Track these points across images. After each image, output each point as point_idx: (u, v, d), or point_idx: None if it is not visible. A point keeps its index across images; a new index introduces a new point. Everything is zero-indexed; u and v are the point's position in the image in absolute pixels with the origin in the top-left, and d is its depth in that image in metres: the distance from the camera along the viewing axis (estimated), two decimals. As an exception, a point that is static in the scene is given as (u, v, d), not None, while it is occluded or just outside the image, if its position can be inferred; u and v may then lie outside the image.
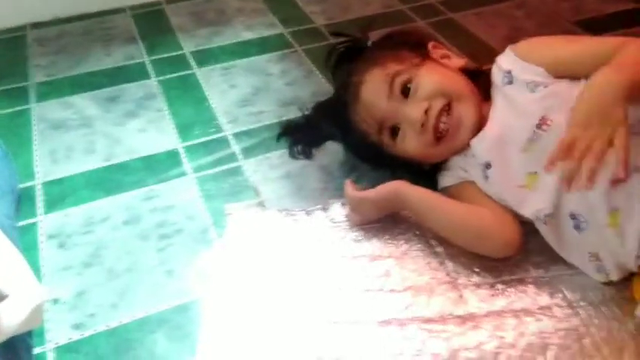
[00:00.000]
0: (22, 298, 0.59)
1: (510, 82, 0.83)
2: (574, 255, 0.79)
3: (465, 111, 0.85)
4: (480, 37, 1.41)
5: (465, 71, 0.91)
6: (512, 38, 1.36)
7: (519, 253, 0.83)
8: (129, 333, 0.78)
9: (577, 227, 0.76)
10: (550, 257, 0.82)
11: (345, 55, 0.98)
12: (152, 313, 0.81)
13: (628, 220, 0.71)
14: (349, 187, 0.91)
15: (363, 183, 0.93)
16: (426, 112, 0.84)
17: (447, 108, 0.84)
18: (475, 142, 0.85)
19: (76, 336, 0.78)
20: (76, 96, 1.24)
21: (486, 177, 0.84)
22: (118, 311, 0.81)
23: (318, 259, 0.86)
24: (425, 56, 0.89)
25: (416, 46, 0.92)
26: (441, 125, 0.84)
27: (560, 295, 0.79)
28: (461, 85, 0.87)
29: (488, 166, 0.83)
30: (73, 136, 1.14)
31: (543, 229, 0.81)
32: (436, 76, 0.86)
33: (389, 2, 1.57)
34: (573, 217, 0.76)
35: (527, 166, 0.79)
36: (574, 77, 0.79)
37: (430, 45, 0.93)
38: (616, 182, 0.68)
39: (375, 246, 0.88)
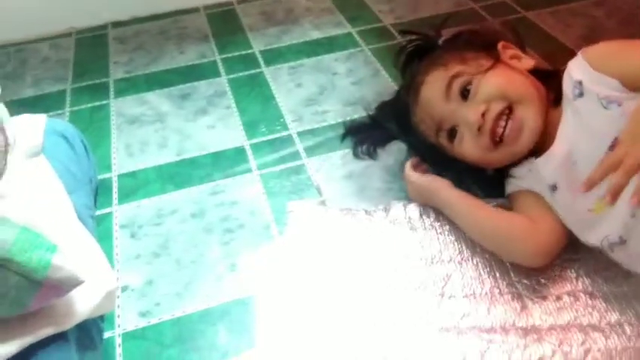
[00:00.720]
0: (96, 283, 0.63)
1: (581, 95, 0.77)
2: None
3: (527, 115, 0.81)
4: (556, 36, 1.35)
5: (535, 72, 0.87)
6: (590, 38, 1.31)
7: (551, 262, 0.80)
8: (192, 323, 0.82)
9: None
10: (622, 271, 0.78)
11: (415, 54, 0.96)
12: (214, 305, 0.84)
13: None
14: (411, 161, 0.94)
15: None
16: (484, 115, 0.81)
17: (508, 112, 0.81)
18: (542, 162, 0.81)
19: (143, 323, 0.82)
20: (151, 92, 1.30)
21: (555, 198, 0.80)
22: (182, 301, 0.85)
23: (378, 260, 0.86)
24: (493, 57, 0.86)
25: (484, 47, 0.89)
26: (499, 129, 0.81)
27: (632, 312, 0.74)
28: (525, 87, 0.83)
29: (554, 187, 0.80)
30: (147, 131, 1.19)
31: (614, 256, 0.77)
32: (497, 79, 0.83)
33: (460, 0, 1.54)
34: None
35: (597, 189, 0.75)
36: None
37: (500, 45, 0.89)
38: None
39: (436, 249, 0.87)
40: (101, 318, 0.74)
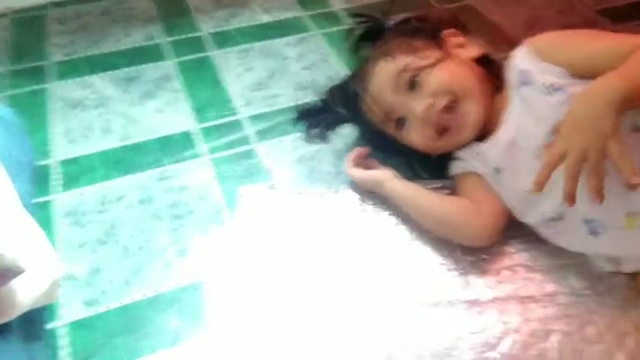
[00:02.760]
0: (39, 272, 0.60)
1: (527, 83, 0.80)
2: (587, 252, 0.79)
3: (471, 108, 0.84)
4: (498, 24, 1.39)
5: (480, 60, 0.90)
6: (532, 26, 1.36)
7: (495, 243, 0.84)
8: (141, 310, 0.80)
9: (592, 232, 0.75)
10: (556, 246, 0.82)
11: (364, 38, 0.97)
12: (164, 292, 0.82)
13: None
14: (350, 157, 0.95)
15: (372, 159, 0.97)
16: (430, 108, 0.84)
17: (453, 104, 0.84)
18: (487, 146, 0.85)
19: (89, 312, 0.80)
20: (94, 76, 1.25)
21: (498, 180, 0.84)
22: (130, 288, 0.83)
23: (329, 242, 0.87)
24: (440, 47, 0.88)
25: (431, 35, 0.91)
26: (444, 122, 0.84)
27: (566, 283, 0.79)
28: (469, 82, 0.85)
29: (498, 170, 0.83)
30: (90, 115, 1.15)
31: (547, 233, 0.81)
32: (444, 74, 0.84)
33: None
34: (588, 222, 0.75)
35: (535, 172, 0.78)
36: (595, 77, 0.76)
37: (445, 33, 0.91)
38: (632, 188, 0.64)
39: (387, 229, 0.88)
40: (43, 309, 0.71)
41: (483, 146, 0.85)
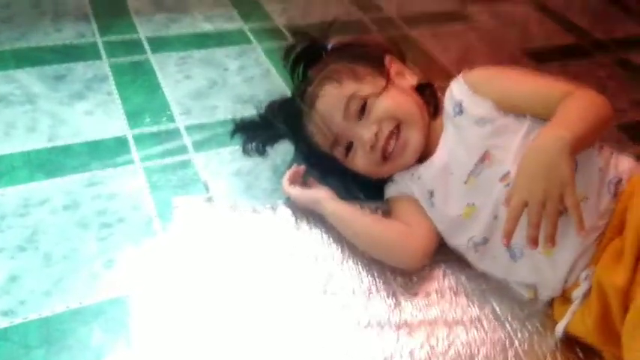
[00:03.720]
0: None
1: (460, 113, 0.86)
2: (507, 278, 0.84)
3: (412, 135, 0.88)
4: (434, 55, 1.45)
5: (418, 88, 0.94)
6: (464, 60, 1.43)
7: (424, 266, 0.87)
8: (62, 323, 0.76)
9: (512, 257, 0.80)
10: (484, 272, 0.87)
11: (303, 56, 0.99)
12: (87, 304, 0.78)
13: (560, 250, 0.76)
14: (287, 176, 0.95)
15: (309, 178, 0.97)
16: (377, 134, 0.87)
17: (396, 130, 0.88)
18: (422, 169, 0.89)
19: (5, 323, 0.75)
20: (20, 70, 1.19)
21: (431, 204, 0.88)
22: (51, 299, 0.78)
23: (263, 257, 0.87)
24: (382, 74, 0.91)
25: (373, 61, 0.94)
26: (389, 147, 0.88)
27: (489, 308, 0.83)
28: (411, 108, 0.89)
29: (431, 193, 0.87)
30: (14, 112, 1.08)
31: (474, 257, 0.85)
32: (389, 101, 0.88)
33: (350, 10, 1.59)
34: (509, 247, 0.79)
35: (467, 197, 0.83)
36: (521, 113, 0.82)
37: (387, 60, 0.94)
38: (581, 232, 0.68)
39: (320, 248, 0.89)
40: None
41: (420, 167, 0.89)
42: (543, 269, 0.79)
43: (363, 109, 0.88)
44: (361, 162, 0.90)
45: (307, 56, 0.98)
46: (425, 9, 1.66)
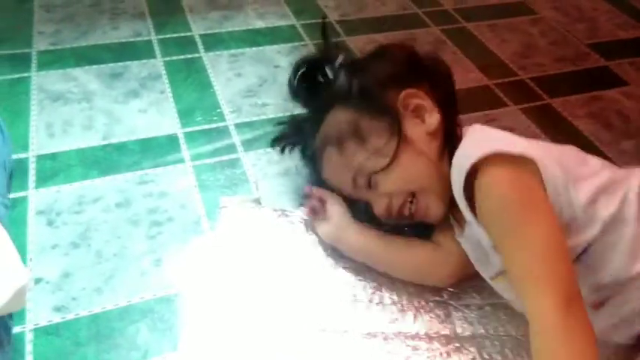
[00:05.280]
0: (5, 280, 0.57)
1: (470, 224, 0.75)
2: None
3: (430, 201, 0.79)
4: (492, 49, 1.39)
5: (441, 123, 0.79)
6: (524, 54, 1.37)
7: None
8: (111, 320, 0.77)
9: None
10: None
11: (308, 78, 0.89)
12: (136, 302, 0.80)
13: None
14: (307, 210, 0.90)
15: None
16: (388, 206, 0.80)
17: (412, 199, 0.79)
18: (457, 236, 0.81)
19: (57, 318, 0.77)
20: (78, 69, 1.22)
21: (461, 242, 0.80)
22: (101, 297, 0.80)
23: (309, 264, 0.85)
24: (392, 126, 0.78)
25: (383, 110, 0.79)
26: (406, 212, 0.80)
27: (486, 324, 0.80)
28: (425, 176, 0.78)
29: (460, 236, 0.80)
30: (72, 110, 1.11)
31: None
32: (398, 174, 0.77)
33: (405, 4, 1.55)
34: None
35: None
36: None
37: (402, 95, 0.79)
38: None
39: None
40: (9, 315, 0.68)
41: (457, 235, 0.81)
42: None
43: (370, 184, 0.80)
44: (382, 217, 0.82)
45: (311, 80, 0.88)
46: (484, 2, 1.59)
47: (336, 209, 0.86)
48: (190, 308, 0.79)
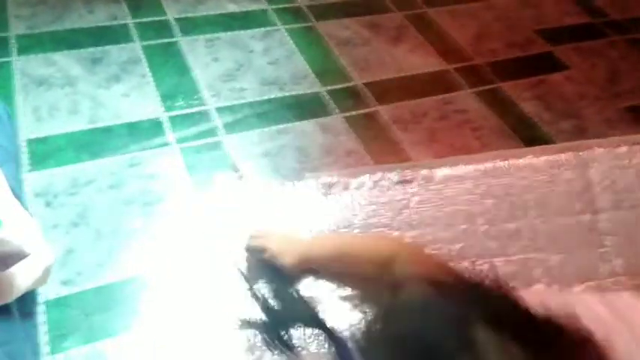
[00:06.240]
0: (35, 258, 0.65)
1: None
2: None
3: None
4: (451, 34, 1.50)
5: None
6: (479, 39, 1.48)
7: None
8: (114, 292, 0.85)
9: None
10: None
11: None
12: (137, 274, 0.88)
13: None
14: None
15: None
16: None
17: None
18: None
19: (65, 291, 0.84)
20: (58, 53, 1.25)
21: None
22: (104, 270, 0.88)
23: (301, 229, 0.94)
24: None
25: None
26: None
27: None
28: None
29: None
30: (56, 94, 1.16)
31: None
32: None
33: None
34: None
35: None
36: None
37: None
38: None
39: (344, 218, 0.96)
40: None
41: None
42: None
43: None
44: None
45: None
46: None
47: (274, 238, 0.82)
48: (186, 280, 0.88)
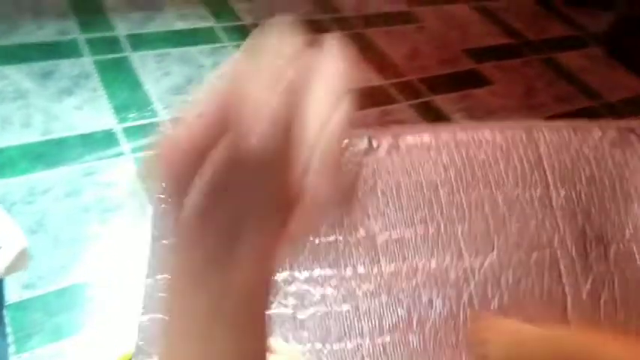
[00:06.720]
0: (7, 243, 0.69)
1: None
2: None
3: None
4: (387, 52, 1.62)
5: None
6: (412, 57, 1.61)
7: None
8: (78, 293, 0.89)
9: None
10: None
11: None
12: (97, 278, 0.92)
13: None
14: None
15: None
16: None
17: None
18: None
19: (27, 294, 0.88)
20: (9, 67, 1.28)
21: None
22: (66, 274, 0.92)
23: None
24: None
25: None
26: None
27: None
28: None
29: None
30: (9, 107, 1.18)
31: None
32: None
33: (312, 9, 1.74)
34: None
35: None
36: None
37: None
38: None
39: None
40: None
41: None
42: None
43: None
44: None
45: None
46: (378, 9, 1.82)
47: None
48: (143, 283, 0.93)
